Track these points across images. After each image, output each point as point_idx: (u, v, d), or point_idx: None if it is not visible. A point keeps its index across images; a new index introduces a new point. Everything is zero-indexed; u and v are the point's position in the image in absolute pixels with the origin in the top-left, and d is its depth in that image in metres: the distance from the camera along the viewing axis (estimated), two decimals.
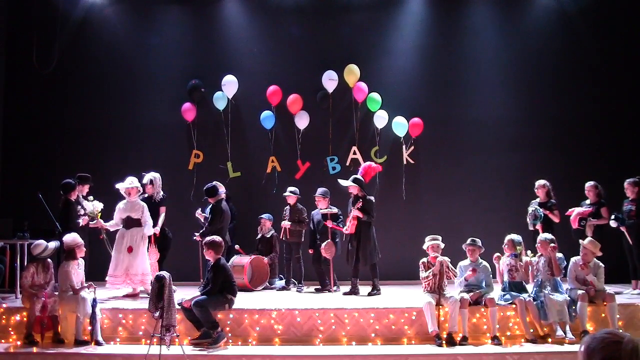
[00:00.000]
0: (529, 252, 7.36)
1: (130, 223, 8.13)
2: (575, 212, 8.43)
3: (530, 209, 8.37)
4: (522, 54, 10.51)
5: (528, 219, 8.35)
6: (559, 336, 6.57)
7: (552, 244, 6.95)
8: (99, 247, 8.68)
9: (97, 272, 8.26)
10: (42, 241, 7.03)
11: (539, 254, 7.12)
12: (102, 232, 8.39)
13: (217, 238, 7.03)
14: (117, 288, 8.05)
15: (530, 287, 7.12)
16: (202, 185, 9.09)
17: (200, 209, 9.02)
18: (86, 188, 8.58)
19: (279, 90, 10.23)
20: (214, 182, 8.63)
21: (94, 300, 6.73)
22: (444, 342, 6.56)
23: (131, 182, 8.21)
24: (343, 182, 8.54)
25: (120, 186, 8.21)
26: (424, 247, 7.15)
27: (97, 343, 6.57)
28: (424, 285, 7.07)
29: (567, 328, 6.65)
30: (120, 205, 8.23)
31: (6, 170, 10.39)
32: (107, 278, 8.05)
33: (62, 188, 8.02)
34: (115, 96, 10.49)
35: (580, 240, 7.24)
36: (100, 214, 8.32)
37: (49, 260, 7.06)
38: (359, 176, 8.62)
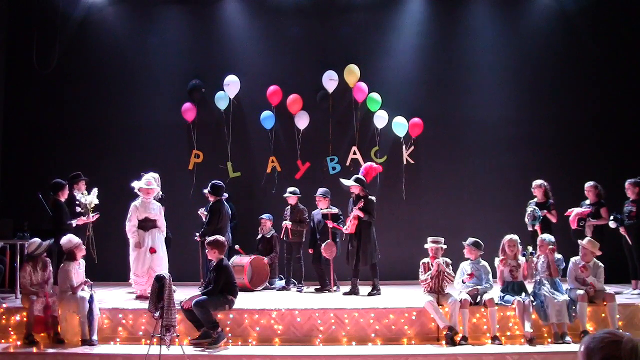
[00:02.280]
0: (530, 247, 7.37)
1: (149, 224, 7.89)
2: (574, 212, 8.42)
3: (528, 210, 8.37)
4: (522, 54, 10.51)
5: (526, 220, 8.36)
6: (558, 342, 6.57)
7: (551, 246, 6.94)
8: (113, 246, 8.72)
9: (120, 271, 8.34)
10: (36, 239, 7.02)
11: (539, 253, 7.12)
12: (89, 229, 8.36)
13: (221, 237, 7.03)
14: (143, 288, 7.80)
15: (530, 287, 7.12)
16: (202, 185, 9.10)
17: (203, 207, 9.02)
18: (82, 185, 8.57)
19: (279, 90, 10.23)
20: (222, 183, 8.62)
21: (91, 297, 6.71)
22: (455, 336, 6.55)
23: (148, 181, 7.96)
24: (345, 182, 8.53)
25: (137, 185, 7.96)
26: (426, 246, 7.15)
27: (90, 342, 6.53)
28: (424, 285, 7.07)
29: (565, 329, 6.64)
30: (137, 204, 7.91)
31: (6, 170, 10.39)
32: (133, 279, 7.89)
33: (51, 188, 8.02)
34: (115, 96, 10.48)
35: (579, 241, 7.23)
36: (92, 209, 8.28)
37: (47, 259, 7.04)
38: (360, 176, 8.62)
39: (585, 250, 7.03)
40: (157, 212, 7.96)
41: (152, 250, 7.81)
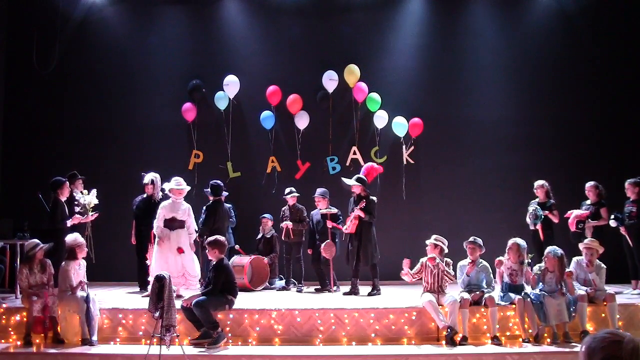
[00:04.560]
0: (531, 255, 7.33)
1: (176, 224, 7.87)
2: (573, 214, 8.42)
3: (530, 209, 8.38)
4: (522, 53, 10.52)
5: (528, 219, 8.37)
6: (557, 342, 6.57)
7: (568, 270, 6.84)
8: (112, 246, 8.68)
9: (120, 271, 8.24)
10: (35, 240, 7.00)
11: (544, 266, 6.96)
12: (87, 229, 8.34)
13: (220, 237, 7.02)
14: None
15: (529, 288, 7.10)
16: (202, 185, 9.11)
17: None
18: (79, 184, 8.56)
19: (279, 90, 10.23)
20: (220, 182, 8.62)
21: (88, 297, 6.69)
22: (455, 336, 6.54)
23: (179, 183, 7.98)
24: (347, 181, 8.51)
25: (167, 186, 7.97)
26: (427, 242, 7.14)
27: (90, 342, 6.52)
28: (423, 285, 7.07)
29: (567, 329, 6.64)
30: (165, 204, 7.91)
31: (6, 170, 10.38)
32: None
33: (51, 186, 7.99)
34: (115, 96, 10.48)
35: (581, 245, 7.23)
36: (91, 209, 8.26)
37: (47, 260, 7.02)
38: (362, 176, 8.62)
39: (592, 250, 7.03)
40: (185, 213, 7.94)
41: (180, 251, 7.78)
